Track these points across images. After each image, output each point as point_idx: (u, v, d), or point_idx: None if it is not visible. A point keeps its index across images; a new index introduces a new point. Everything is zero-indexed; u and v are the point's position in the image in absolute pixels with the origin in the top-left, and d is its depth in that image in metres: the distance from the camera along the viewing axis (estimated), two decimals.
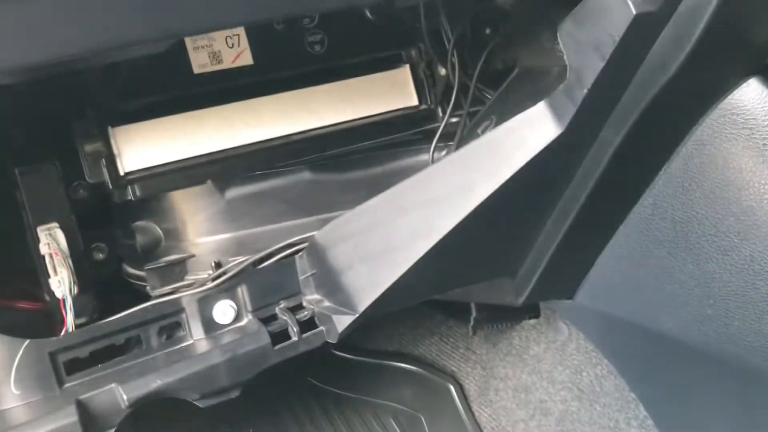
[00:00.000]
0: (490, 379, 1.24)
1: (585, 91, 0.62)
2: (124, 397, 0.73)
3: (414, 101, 0.92)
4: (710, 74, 0.62)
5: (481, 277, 0.82)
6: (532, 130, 0.66)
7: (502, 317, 1.14)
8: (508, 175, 0.67)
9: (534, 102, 0.67)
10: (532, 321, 1.17)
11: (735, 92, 0.62)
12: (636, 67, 0.61)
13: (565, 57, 0.63)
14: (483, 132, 0.76)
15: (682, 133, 0.65)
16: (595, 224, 0.76)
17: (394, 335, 1.34)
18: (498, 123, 0.74)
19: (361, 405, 1.25)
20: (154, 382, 0.74)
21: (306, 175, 0.86)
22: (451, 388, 1.26)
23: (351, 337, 1.33)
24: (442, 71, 0.89)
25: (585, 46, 0.61)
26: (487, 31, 0.84)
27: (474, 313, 1.08)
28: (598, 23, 0.59)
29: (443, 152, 0.84)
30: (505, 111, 0.75)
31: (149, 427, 1.14)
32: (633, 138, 0.66)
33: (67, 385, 0.76)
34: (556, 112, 0.64)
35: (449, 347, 1.30)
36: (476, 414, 1.24)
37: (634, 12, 0.56)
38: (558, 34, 0.63)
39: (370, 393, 1.26)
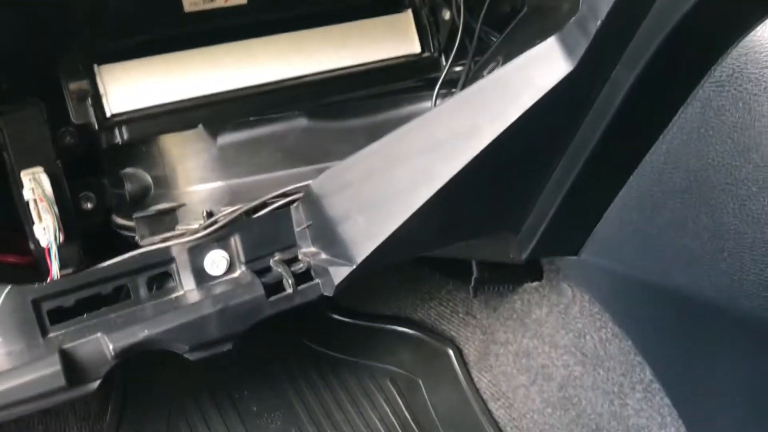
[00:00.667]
0: (490, 344, 1.22)
1: (599, 22, 0.58)
2: (110, 347, 0.70)
3: (416, 48, 0.88)
4: (731, 7, 0.58)
5: (483, 230, 0.79)
6: (541, 67, 0.62)
7: (503, 278, 1.11)
8: (515, 117, 0.63)
9: (543, 39, 0.63)
10: (535, 284, 1.14)
11: (758, 28, 0.58)
12: None
13: None
14: (490, 74, 0.73)
15: (699, 73, 0.61)
16: (605, 174, 0.72)
17: (392, 299, 1.31)
18: (505, 64, 0.70)
19: (358, 368, 1.23)
20: (141, 332, 0.71)
21: (302, 122, 0.83)
22: (450, 352, 1.23)
23: (349, 301, 1.31)
24: (446, 15, 0.85)
25: None
26: None
27: (475, 273, 1.05)
28: None
29: (447, 99, 0.80)
30: (512, 51, 0.71)
31: (141, 389, 1.12)
32: (647, 78, 0.62)
33: (51, 334, 0.73)
34: (568, 46, 0.61)
35: (448, 311, 1.27)
36: (476, 379, 1.22)
37: None
38: None
39: (368, 356, 1.24)
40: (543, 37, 0.64)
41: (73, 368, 0.69)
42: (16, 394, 0.67)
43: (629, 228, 0.76)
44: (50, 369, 0.68)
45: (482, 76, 0.74)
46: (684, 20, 0.57)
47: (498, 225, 0.78)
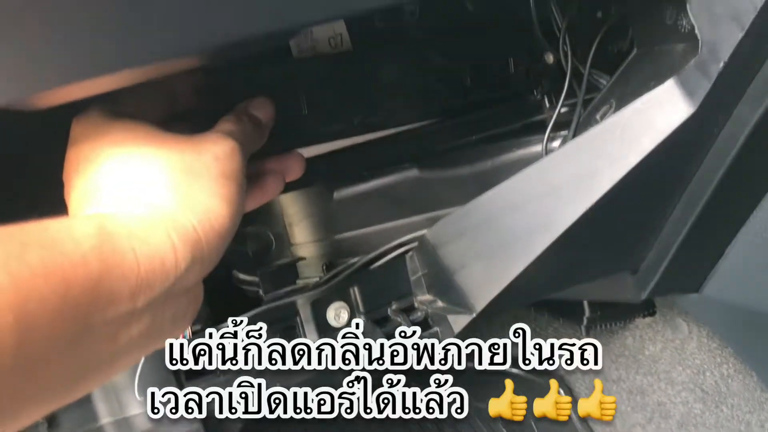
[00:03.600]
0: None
1: (721, 64, 0.57)
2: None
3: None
4: None
5: (602, 273, 0.78)
6: (661, 110, 0.62)
7: (615, 316, 1.09)
8: (636, 161, 0.63)
9: (659, 82, 0.63)
10: (647, 319, 1.11)
11: None
12: None
13: (696, 30, 0.59)
14: (602, 117, 0.73)
15: None
16: (728, 210, 0.71)
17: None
18: (618, 107, 0.70)
19: None
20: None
21: (413, 172, 0.84)
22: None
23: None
24: (550, 59, 0.85)
25: (720, 16, 0.57)
26: (599, 14, 0.80)
27: (587, 313, 1.04)
28: None
29: (555, 142, 0.81)
30: (625, 94, 0.71)
31: None
32: None
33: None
34: (688, 89, 0.61)
35: None
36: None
37: None
38: (687, 7, 0.59)
39: (474, 395, 1.23)
40: (658, 79, 0.64)
41: (211, 424, 0.71)
42: None
43: (755, 263, 0.75)
44: (191, 426, 0.71)
45: (596, 120, 0.74)
46: None
47: (617, 266, 0.78)
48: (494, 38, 0.87)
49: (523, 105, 0.89)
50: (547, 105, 0.89)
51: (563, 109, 0.84)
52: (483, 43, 0.86)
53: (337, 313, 0.80)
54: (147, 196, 0.51)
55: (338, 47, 0.81)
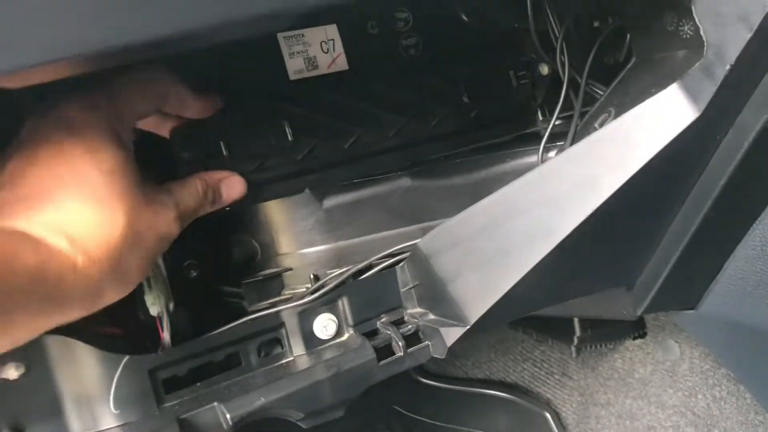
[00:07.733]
0: (589, 406, 1.17)
1: (728, 67, 0.56)
2: (227, 416, 0.68)
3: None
4: None
5: (599, 285, 0.76)
6: (664, 115, 0.61)
7: (605, 336, 1.07)
8: (638, 167, 0.62)
9: (660, 88, 0.62)
10: (638, 341, 1.09)
11: None
12: None
13: (701, 33, 0.58)
14: (601, 125, 0.71)
15: None
16: (728, 222, 0.70)
17: (483, 362, 1.28)
18: (618, 115, 0.69)
19: None
20: (257, 400, 0.70)
21: (405, 181, 0.82)
22: (547, 415, 1.19)
23: (438, 365, 1.28)
24: (545, 71, 0.84)
25: (728, 17, 0.56)
26: (596, 24, 0.79)
27: (578, 332, 1.01)
28: None
29: (551, 153, 0.79)
30: (624, 102, 0.70)
31: None
32: None
33: (167, 404, 0.72)
34: (692, 93, 0.59)
35: (543, 373, 1.23)
36: None
37: None
38: (692, 9, 0.58)
39: (462, 422, 1.20)
40: (659, 86, 0.62)
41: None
42: None
43: (754, 277, 0.73)
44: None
45: (594, 128, 0.72)
46: None
47: (613, 280, 0.76)
48: (490, 52, 0.85)
49: (516, 117, 0.88)
50: (540, 117, 0.88)
51: (558, 122, 0.82)
52: (480, 57, 0.85)
53: (324, 325, 0.77)
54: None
55: (330, 52, 0.79)
